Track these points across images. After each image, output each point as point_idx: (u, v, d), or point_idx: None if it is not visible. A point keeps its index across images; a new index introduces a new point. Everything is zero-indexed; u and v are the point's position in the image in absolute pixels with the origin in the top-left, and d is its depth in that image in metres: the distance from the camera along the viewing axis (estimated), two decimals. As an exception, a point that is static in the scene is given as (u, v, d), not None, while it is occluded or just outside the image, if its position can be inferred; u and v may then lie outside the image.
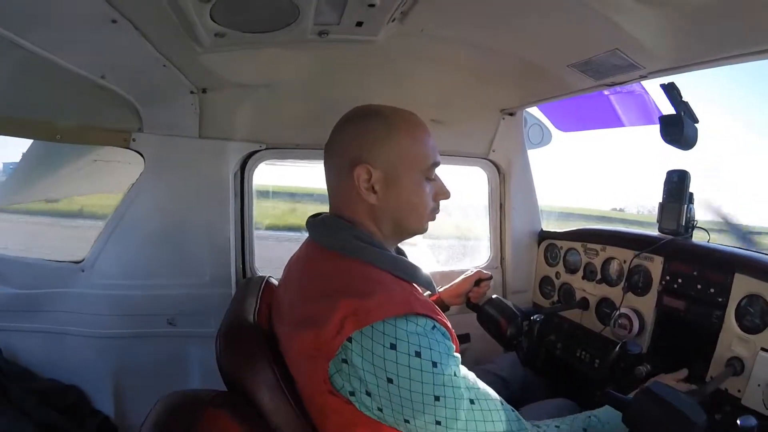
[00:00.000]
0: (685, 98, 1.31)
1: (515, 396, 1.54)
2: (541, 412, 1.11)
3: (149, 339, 1.69)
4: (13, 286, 1.64)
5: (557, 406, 1.17)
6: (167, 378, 1.64)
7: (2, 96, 1.47)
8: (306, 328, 0.83)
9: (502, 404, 0.85)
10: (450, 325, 0.86)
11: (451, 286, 1.55)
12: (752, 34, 1.01)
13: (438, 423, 0.77)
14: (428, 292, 1.01)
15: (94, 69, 1.30)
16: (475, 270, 1.57)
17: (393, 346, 0.76)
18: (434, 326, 0.81)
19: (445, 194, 1.00)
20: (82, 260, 1.68)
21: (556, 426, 0.95)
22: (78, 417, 1.58)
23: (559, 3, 1.04)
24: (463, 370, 0.83)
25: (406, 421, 0.78)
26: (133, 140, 1.61)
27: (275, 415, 0.86)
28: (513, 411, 0.86)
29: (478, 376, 1.51)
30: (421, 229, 0.99)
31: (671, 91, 1.30)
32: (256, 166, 1.79)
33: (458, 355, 0.83)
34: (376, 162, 0.89)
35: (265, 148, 1.77)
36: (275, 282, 1.22)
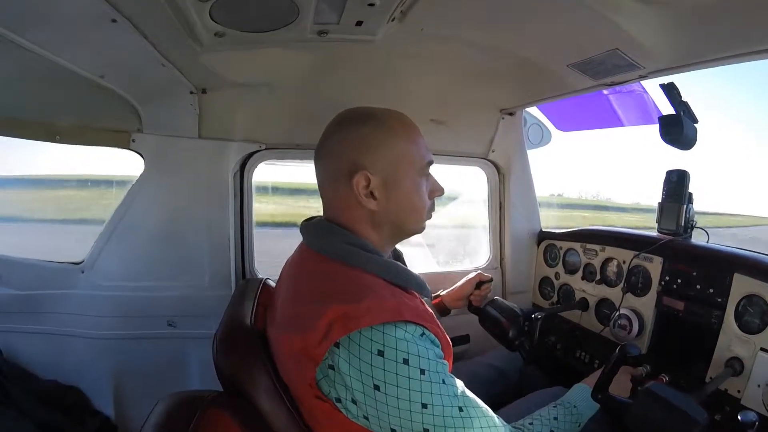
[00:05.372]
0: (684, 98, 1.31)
1: (513, 387, 1.54)
2: (539, 402, 1.11)
3: (149, 340, 1.68)
4: (13, 287, 1.63)
5: (554, 395, 1.17)
6: (167, 379, 1.65)
7: (2, 96, 1.47)
8: (294, 331, 0.83)
9: (489, 411, 0.85)
10: (443, 332, 0.86)
11: (453, 289, 1.56)
12: (752, 34, 1.01)
13: (426, 431, 0.77)
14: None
15: (94, 69, 1.30)
16: (475, 273, 1.58)
17: (381, 353, 0.75)
18: (423, 333, 0.80)
19: (440, 191, 1.00)
20: (82, 261, 1.68)
21: (530, 423, 0.96)
22: (78, 418, 1.57)
23: (558, 3, 1.04)
24: (452, 377, 0.82)
25: (393, 430, 0.77)
26: (133, 141, 1.61)
27: (273, 418, 0.86)
28: (498, 418, 0.86)
29: (476, 369, 1.54)
30: (420, 229, 0.99)
31: (671, 91, 1.30)
32: (255, 167, 1.78)
33: (447, 362, 0.83)
34: (375, 168, 0.89)
35: (265, 148, 1.77)
36: (272, 283, 1.23)
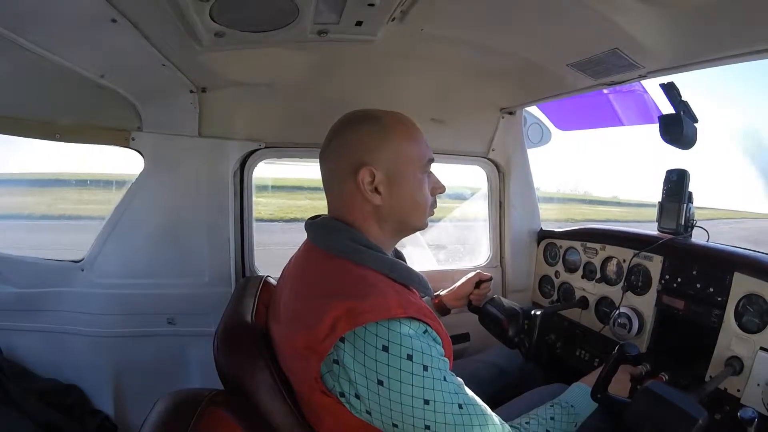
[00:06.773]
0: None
1: (513, 385, 1.55)
2: (538, 400, 1.12)
3: (149, 338, 1.69)
4: (12, 285, 1.63)
5: (553, 392, 1.18)
6: (167, 377, 1.65)
7: (2, 95, 1.47)
8: (299, 327, 0.84)
9: (487, 410, 0.86)
10: (444, 330, 0.87)
11: (452, 289, 1.56)
12: (752, 34, 1.01)
13: (427, 427, 0.78)
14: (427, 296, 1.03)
15: (94, 68, 1.30)
16: (474, 272, 1.58)
17: (385, 348, 0.77)
18: (426, 330, 0.82)
19: (441, 188, 1.03)
20: (82, 259, 1.68)
21: (526, 422, 0.97)
22: (78, 416, 1.58)
23: (559, 3, 1.04)
24: (452, 375, 0.83)
25: (395, 425, 0.78)
26: (133, 139, 1.61)
27: (274, 415, 0.87)
28: (496, 416, 0.87)
29: (476, 367, 1.54)
30: (423, 225, 1.01)
31: (671, 90, 1.30)
32: (255, 165, 1.78)
33: (447, 360, 0.83)
34: (378, 164, 0.91)
35: (265, 147, 1.77)
36: (273, 281, 1.23)
